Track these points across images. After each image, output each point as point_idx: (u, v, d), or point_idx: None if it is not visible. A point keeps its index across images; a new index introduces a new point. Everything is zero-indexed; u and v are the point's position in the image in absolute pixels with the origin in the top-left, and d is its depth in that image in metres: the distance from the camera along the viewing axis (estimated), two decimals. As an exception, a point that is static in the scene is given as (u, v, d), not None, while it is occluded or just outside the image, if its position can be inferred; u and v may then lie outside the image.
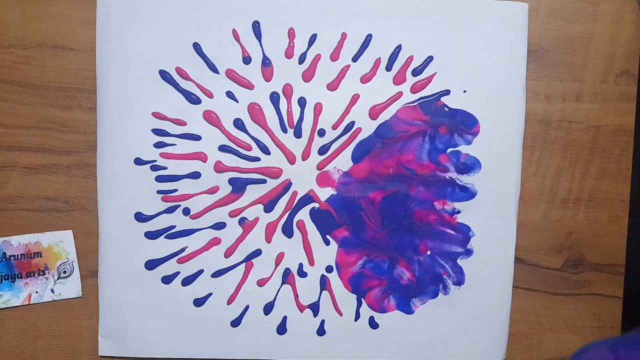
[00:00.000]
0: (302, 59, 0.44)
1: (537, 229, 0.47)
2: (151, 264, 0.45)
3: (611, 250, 0.47)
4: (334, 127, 0.45)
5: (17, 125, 0.44)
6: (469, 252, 0.46)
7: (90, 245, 0.45)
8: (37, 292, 0.44)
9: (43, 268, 0.44)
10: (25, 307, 0.45)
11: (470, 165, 0.45)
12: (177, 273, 0.45)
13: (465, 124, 0.45)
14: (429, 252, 0.46)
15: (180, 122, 0.44)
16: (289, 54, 0.44)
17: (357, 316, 0.46)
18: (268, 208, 0.45)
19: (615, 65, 0.46)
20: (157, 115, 0.44)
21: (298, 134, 0.45)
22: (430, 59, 0.44)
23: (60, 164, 0.44)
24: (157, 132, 0.44)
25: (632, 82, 0.46)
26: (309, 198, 0.45)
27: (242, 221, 0.45)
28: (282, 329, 0.46)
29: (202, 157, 0.44)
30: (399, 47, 0.44)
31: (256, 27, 0.44)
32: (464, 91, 0.45)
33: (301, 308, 0.46)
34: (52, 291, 0.44)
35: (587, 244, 0.47)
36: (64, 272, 0.45)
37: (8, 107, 0.44)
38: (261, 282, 0.45)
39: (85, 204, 0.45)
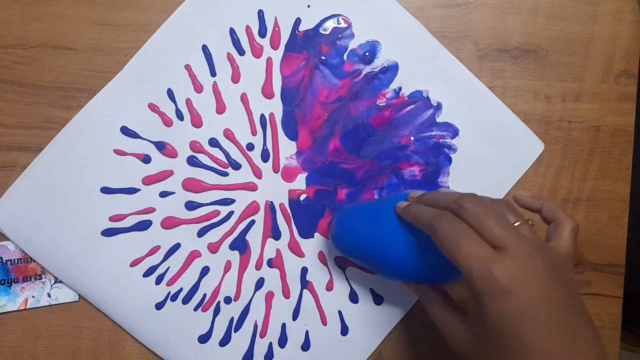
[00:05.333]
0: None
1: (536, 229, 0.47)
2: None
3: (611, 250, 0.47)
4: (254, 134, 0.45)
5: (17, 125, 0.44)
6: (439, 106, 0.45)
7: (90, 245, 0.45)
8: (33, 296, 0.44)
9: (39, 272, 0.44)
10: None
11: (371, 50, 0.45)
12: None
13: (336, 29, 0.45)
14: (412, 138, 0.45)
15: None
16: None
17: None
18: (276, 234, 0.45)
19: (615, 65, 0.46)
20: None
21: (237, 166, 0.45)
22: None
23: (60, 164, 0.44)
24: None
25: (632, 82, 0.46)
26: (296, 196, 0.45)
27: (269, 263, 0.45)
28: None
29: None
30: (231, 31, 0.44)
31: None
32: (308, 6, 0.44)
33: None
34: (49, 295, 0.44)
35: (587, 244, 0.47)
36: (64, 272, 0.44)
37: (8, 107, 0.44)
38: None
39: (85, 204, 0.44)
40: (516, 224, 0.31)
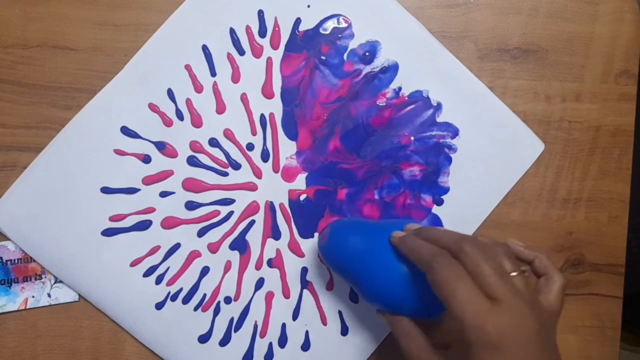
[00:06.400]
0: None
1: (537, 229, 0.47)
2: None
3: (611, 250, 0.47)
4: (254, 134, 0.45)
5: (17, 125, 0.44)
6: (439, 106, 0.45)
7: (90, 245, 0.45)
8: (33, 296, 0.44)
9: (40, 272, 0.44)
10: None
11: (371, 50, 0.45)
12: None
13: (336, 29, 0.45)
14: (412, 138, 0.45)
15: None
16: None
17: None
18: (276, 234, 0.45)
19: (615, 65, 0.46)
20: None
21: (237, 166, 0.45)
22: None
23: (60, 164, 0.44)
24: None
25: (632, 82, 0.46)
26: (296, 196, 0.45)
27: (269, 263, 0.45)
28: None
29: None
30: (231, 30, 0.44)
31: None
32: (308, 6, 0.44)
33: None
34: (49, 295, 0.44)
35: (587, 244, 0.47)
36: (63, 273, 0.44)
37: (8, 107, 0.44)
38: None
39: (85, 204, 0.44)
40: (512, 274, 0.31)
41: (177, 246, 0.44)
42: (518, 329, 0.28)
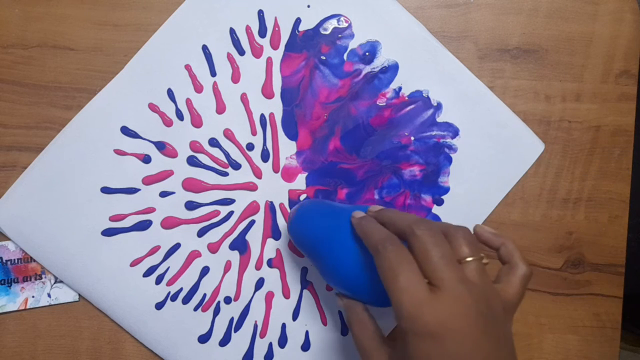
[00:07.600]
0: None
1: (537, 229, 0.47)
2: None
3: (611, 250, 0.47)
4: (254, 134, 0.45)
5: (17, 125, 0.44)
6: (439, 106, 0.45)
7: (90, 245, 0.45)
8: (33, 296, 0.44)
9: (40, 272, 0.44)
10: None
11: (371, 50, 0.45)
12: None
13: (336, 29, 0.45)
14: (412, 138, 0.45)
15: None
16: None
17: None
18: (276, 234, 0.45)
19: (615, 65, 0.46)
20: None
21: (237, 166, 0.45)
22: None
23: (60, 164, 0.44)
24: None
25: (632, 82, 0.46)
26: (296, 196, 0.45)
27: (269, 263, 0.45)
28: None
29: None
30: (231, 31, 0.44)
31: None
32: (308, 6, 0.44)
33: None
34: (49, 295, 0.44)
35: (587, 244, 0.47)
36: (64, 272, 0.44)
37: (8, 107, 0.44)
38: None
39: (85, 204, 0.44)
40: (468, 259, 0.29)
41: (177, 246, 0.44)
42: (458, 318, 0.26)
